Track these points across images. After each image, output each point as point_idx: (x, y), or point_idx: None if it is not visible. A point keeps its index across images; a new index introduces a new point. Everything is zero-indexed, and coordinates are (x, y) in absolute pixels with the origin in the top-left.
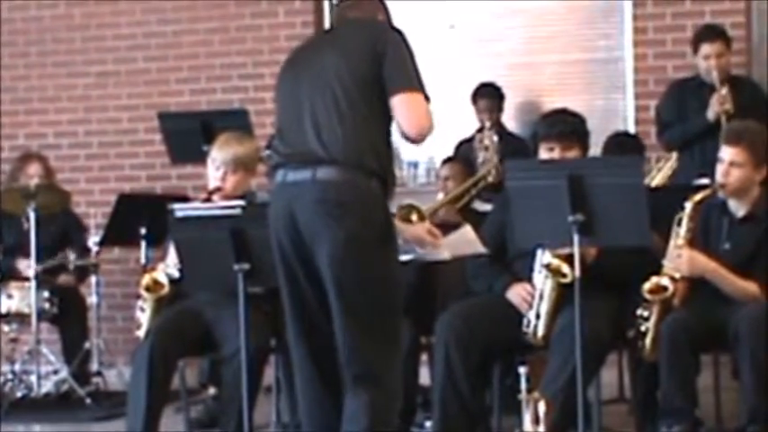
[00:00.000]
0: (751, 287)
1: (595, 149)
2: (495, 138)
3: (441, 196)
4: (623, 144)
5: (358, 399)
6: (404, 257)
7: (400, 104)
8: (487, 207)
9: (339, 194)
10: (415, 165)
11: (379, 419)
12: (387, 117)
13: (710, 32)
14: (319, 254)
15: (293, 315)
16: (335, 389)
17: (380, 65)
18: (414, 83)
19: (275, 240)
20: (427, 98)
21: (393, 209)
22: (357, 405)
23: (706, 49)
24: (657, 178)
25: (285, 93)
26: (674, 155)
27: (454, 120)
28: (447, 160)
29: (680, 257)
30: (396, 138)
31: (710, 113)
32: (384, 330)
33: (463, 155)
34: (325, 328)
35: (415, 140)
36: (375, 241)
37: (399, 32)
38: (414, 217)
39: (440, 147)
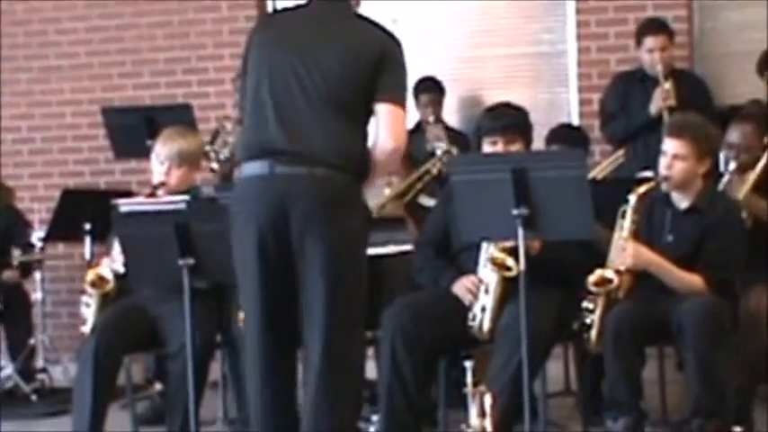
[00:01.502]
0: (694, 280)
1: (540, 143)
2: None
3: (386, 191)
4: (567, 136)
5: (330, 397)
6: None
7: (388, 114)
8: (432, 202)
9: (339, 195)
10: None
11: (349, 417)
12: (369, 118)
13: (654, 25)
14: (311, 251)
15: (260, 310)
16: (291, 391)
17: (378, 71)
18: (404, 100)
19: (253, 229)
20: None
21: None
22: (328, 403)
23: (649, 42)
24: (599, 170)
25: (271, 81)
26: (622, 150)
27: None
28: None
29: (624, 250)
30: None
31: (653, 108)
32: (359, 330)
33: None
34: (288, 324)
35: (387, 152)
36: (364, 242)
37: (399, 44)
38: None
39: None
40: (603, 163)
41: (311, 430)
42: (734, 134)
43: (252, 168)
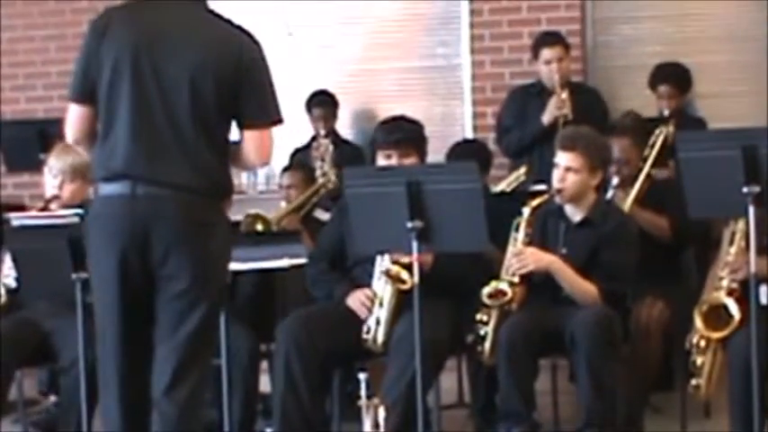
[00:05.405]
0: (590, 287)
1: (434, 156)
2: (331, 147)
3: (283, 204)
4: (467, 150)
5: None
6: (240, 267)
7: (256, 139)
8: (326, 216)
9: (202, 217)
10: (254, 173)
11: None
12: (229, 134)
13: (550, 38)
14: (173, 272)
15: (119, 329)
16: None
17: (241, 90)
18: (270, 117)
19: (115, 249)
20: (281, 121)
21: (238, 217)
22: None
23: (546, 53)
24: (502, 187)
25: (124, 96)
26: (523, 169)
27: (292, 127)
28: (287, 168)
29: (522, 254)
30: None
31: (546, 117)
32: (210, 350)
33: (300, 162)
34: (146, 347)
35: (252, 168)
36: (227, 260)
37: (259, 45)
38: (259, 226)
39: (278, 154)
40: (506, 180)
41: None
42: (613, 149)
43: (111, 189)
